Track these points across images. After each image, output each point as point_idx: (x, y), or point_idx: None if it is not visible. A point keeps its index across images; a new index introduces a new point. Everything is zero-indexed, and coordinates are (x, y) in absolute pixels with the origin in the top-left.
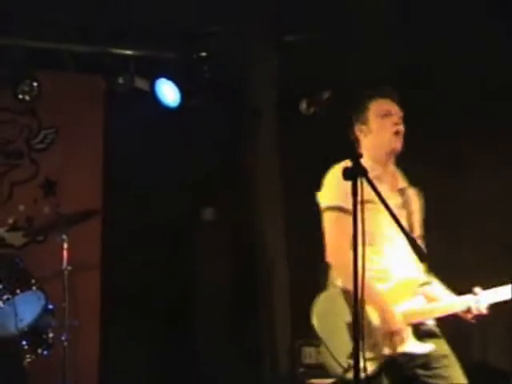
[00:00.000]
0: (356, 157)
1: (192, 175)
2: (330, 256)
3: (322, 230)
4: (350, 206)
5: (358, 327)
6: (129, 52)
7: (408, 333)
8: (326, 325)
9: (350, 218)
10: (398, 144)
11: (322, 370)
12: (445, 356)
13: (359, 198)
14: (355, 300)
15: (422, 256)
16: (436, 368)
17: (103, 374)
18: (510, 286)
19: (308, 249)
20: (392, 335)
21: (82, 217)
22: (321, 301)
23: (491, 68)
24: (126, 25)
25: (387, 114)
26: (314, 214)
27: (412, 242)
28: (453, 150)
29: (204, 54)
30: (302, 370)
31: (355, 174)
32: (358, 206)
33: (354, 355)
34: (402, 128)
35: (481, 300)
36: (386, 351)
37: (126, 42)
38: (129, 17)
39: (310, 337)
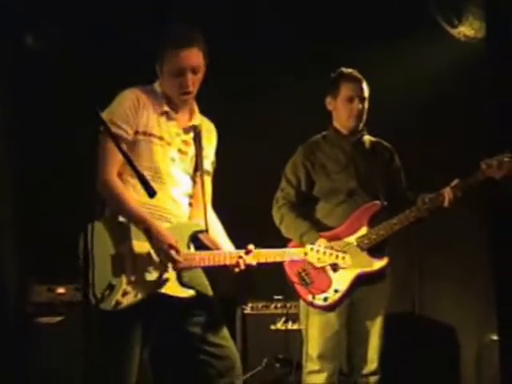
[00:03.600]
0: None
1: None
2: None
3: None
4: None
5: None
6: None
7: (171, 276)
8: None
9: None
10: (187, 96)
11: (51, 308)
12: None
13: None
14: None
15: (149, 193)
16: (196, 316)
17: None
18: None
19: None
20: (164, 254)
21: None
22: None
23: None
24: None
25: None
26: None
27: (140, 177)
28: None
29: None
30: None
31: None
32: None
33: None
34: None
35: (250, 258)
36: (143, 287)
37: None
38: None
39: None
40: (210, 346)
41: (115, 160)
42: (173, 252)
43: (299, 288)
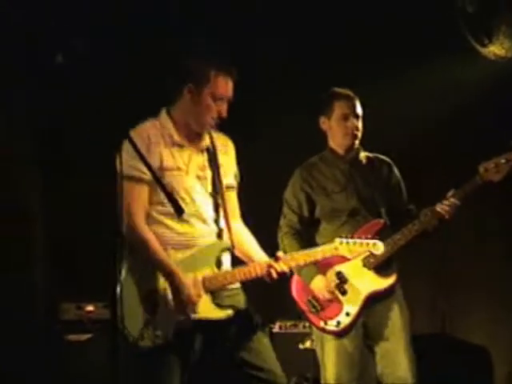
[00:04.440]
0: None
1: None
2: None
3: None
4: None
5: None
6: None
7: (204, 300)
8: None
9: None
10: (213, 126)
11: (79, 325)
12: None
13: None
14: None
15: (177, 211)
16: (243, 338)
17: None
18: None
19: None
20: (185, 303)
21: None
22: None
23: None
24: None
25: (223, 97)
26: None
27: (169, 196)
28: None
29: None
30: (59, 325)
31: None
32: None
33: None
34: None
35: (281, 264)
36: (178, 318)
37: None
38: None
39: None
40: (252, 368)
41: (140, 203)
42: (189, 306)
43: (310, 316)
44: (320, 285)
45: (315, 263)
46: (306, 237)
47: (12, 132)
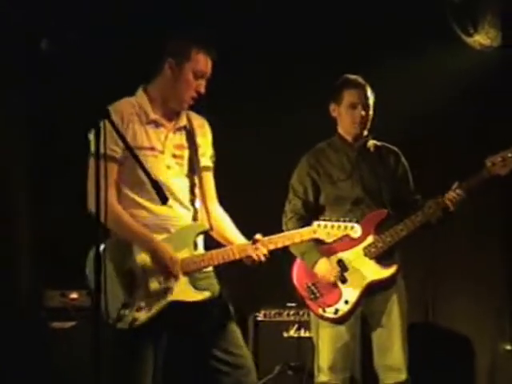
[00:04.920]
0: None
1: None
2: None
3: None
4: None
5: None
6: None
7: (181, 282)
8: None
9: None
10: (190, 102)
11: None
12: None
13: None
14: None
15: (162, 199)
16: (216, 323)
17: None
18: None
19: None
20: (167, 273)
21: None
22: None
23: None
24: None
25: (202, 75)
26: None
27: (154, 184)
28: None
29: None
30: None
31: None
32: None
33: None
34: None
35: (259, 247)
36: (157, 299)
37: None
38: None
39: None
40: (225, 353)
41: (110, 181)
42: (175, 271)
43: (309, 302)
44: (324, 268)
45: (318, 249)
46: (311, 223)
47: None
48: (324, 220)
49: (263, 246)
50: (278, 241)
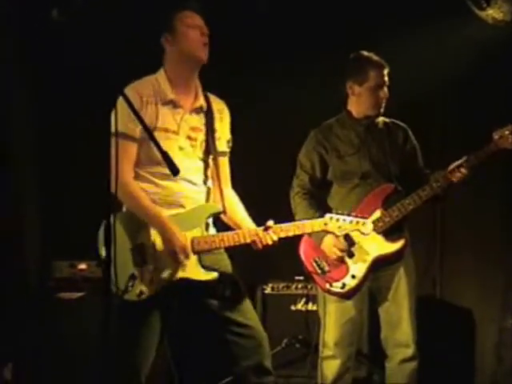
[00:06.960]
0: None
1: None
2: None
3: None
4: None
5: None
6: None
7: (191, 261)
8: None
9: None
10: (203, 54)
11: (72, 284)
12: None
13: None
14: None
15: (173, 171)
16: (221, 297)
17: None
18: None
19: None
20: (174, 256)
21: None
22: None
23: None
24: None
25: (194, 26)
26: None
27: (164, 155)
28: None
29: None
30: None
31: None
32: None
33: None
34: (207, 40)
35: (271, 233)
36: (165, 275)
37: None
38: None
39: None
40: (236, 325)
41: (129, 160)
42: (181, 256)
43: (316, 277)
44: (331, 243)
45: None
46: (318, 198)
47: None
48: (337, 213)
49: (274, 234)
50: (290, 229)
